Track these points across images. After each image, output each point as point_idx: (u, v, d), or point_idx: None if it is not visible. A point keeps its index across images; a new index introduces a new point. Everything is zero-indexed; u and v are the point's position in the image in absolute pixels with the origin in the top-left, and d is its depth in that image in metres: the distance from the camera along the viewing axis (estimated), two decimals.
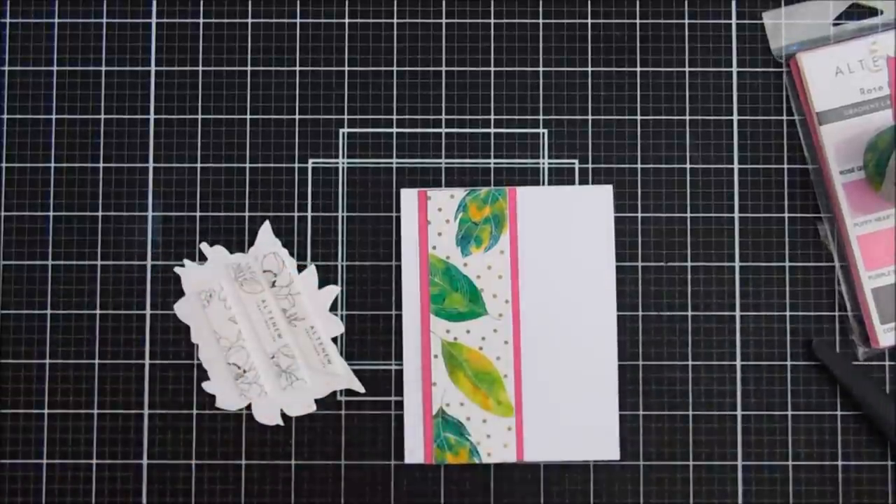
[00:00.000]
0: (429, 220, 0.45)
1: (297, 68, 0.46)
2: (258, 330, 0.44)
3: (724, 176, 0.45)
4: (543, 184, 0.45)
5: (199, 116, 0.46)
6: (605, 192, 0.45)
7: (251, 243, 0.45)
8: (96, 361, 0.45)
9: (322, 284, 0.45)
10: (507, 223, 0.44)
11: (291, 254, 0.45)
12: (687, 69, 0.46)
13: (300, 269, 0.45)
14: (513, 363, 0.44)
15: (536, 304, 0.44)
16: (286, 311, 0.44)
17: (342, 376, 0.44)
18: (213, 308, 0.44)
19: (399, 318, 0.45)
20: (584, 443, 0.44)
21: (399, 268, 0.45)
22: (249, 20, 0.46)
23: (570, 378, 0.44)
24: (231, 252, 0.45)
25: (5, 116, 0.46)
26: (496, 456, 0.44)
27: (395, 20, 0.46)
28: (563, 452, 0.44)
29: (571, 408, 0.44)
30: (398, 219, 0.45)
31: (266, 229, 0.44)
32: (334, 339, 0.45)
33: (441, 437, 0.44)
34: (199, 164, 0.45)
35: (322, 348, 0.44)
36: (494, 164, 0.45)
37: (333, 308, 0.45)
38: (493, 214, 0.45)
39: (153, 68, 0.46)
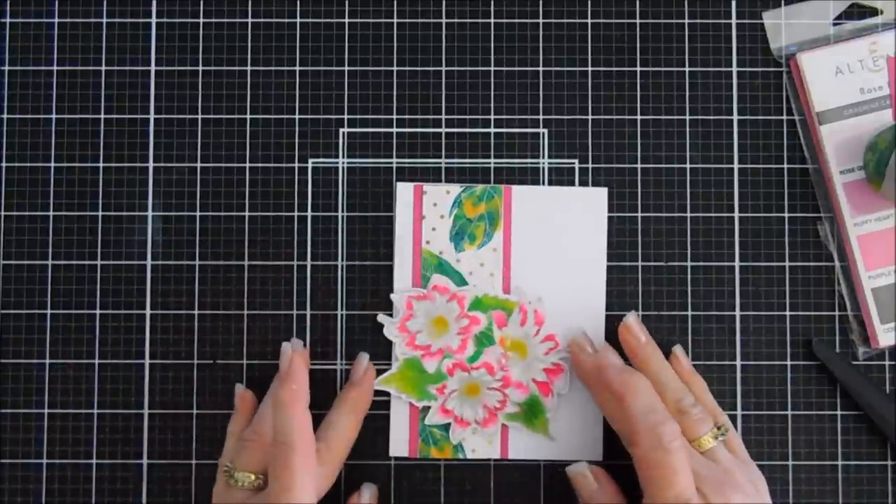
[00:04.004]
0: (423, 214, 0.44)
1: (297, 68, 0.46)
2: None
3: (724, 176, 0.45)
4: (543, 184, 0.45)
5: (199, 116, 0.46)
6: (601, 195, 0.45)
7: (251, 243, 0.45)
8: (96, 361, 0.45)
9: (322, 283, 0.45)
10: (501, 221, 0.44)
11: (291, 255, 0.45)
12: (687, 69, 0.46)
13: None
14: None
15: None
16: None
17: None
18: None
19: None
20: (568, 443, 0.44)
21: None
22: (249, 20, 0.46)
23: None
24: None
25: (5, 116, 0.46)
26: (481, 453, 0.44)
27: (395, 20, 0.46)
28: (546, 452, 0.44)
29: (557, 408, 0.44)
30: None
31: None
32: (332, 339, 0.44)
33: (426, 432, 0.44)
34: (199, 164, 0.45)
35: None
36: (494, 163, 0.45)
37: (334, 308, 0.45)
38: (487, 212, 0.44)
39: (153, 68, 0.46)
